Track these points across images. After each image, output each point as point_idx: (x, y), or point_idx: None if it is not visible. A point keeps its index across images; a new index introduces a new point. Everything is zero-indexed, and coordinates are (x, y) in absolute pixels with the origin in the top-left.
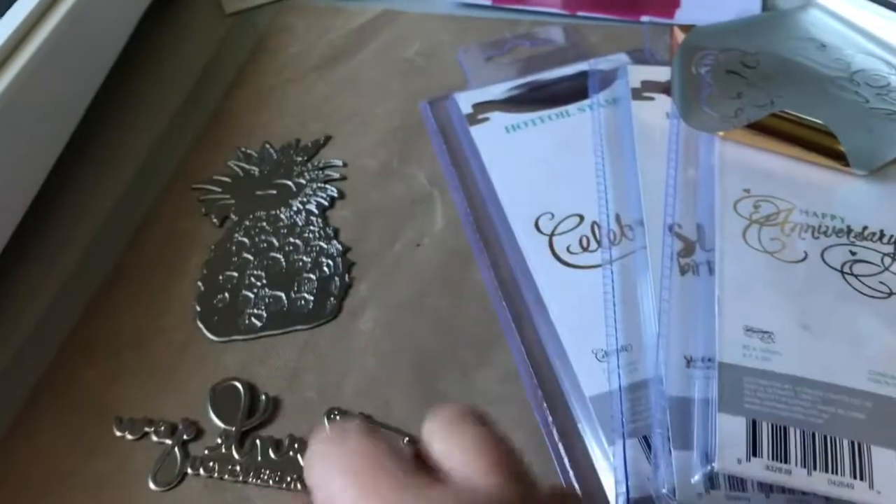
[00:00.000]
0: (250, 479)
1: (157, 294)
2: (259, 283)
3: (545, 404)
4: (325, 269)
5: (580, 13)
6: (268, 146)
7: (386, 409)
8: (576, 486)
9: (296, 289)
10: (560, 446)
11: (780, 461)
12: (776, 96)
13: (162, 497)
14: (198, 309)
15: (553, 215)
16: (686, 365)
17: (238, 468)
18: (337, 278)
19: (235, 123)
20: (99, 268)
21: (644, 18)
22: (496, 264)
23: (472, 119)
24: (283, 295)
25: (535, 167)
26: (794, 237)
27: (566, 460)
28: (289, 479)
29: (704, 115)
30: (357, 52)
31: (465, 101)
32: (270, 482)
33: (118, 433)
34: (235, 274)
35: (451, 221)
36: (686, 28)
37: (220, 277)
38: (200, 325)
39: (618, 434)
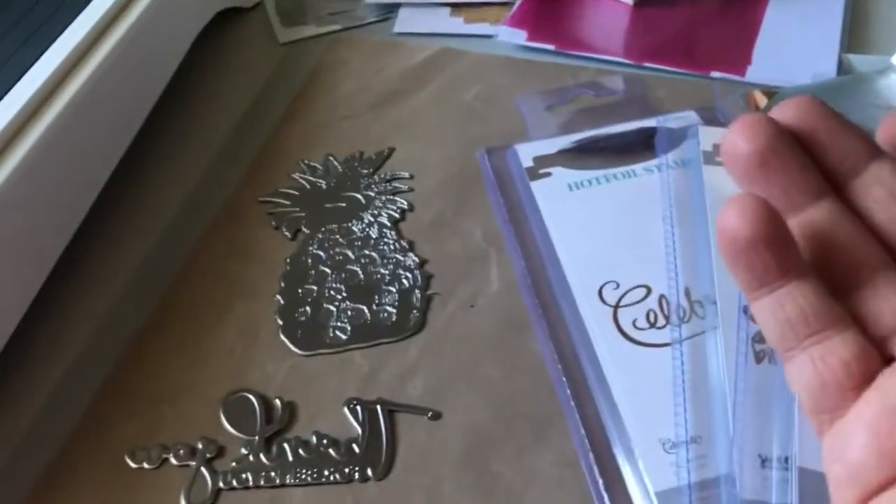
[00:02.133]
0: (287, 481)
1: (229, 310)
2: (339, 297)
3: (606, 496)
4: (405, 281)
5: (646, 64)
6: (331, 158)
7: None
8: None
9: (377, 301)
10: None
11: None
12: None
13: None
14: (280, 322)
15: (618, 284)
16: (761, 465)
17: (273, 473)
18: (417, 291)
19: (283, 160)
20: (160, 280)
21: (714, 74)
22: (555, 335)
23: (533, 173)
24: (364, 308)
25: (600, 230)
26: None
27: None
28: (326, 472)
29: None
30: (414, 92)
31: (526, 154)
32: (309, 479)
33: (134, 465)
34: (314, 287)
35: (506, 283)
36: (769, 93)
37: (300, 291)
38: (284, 339)
39: None
